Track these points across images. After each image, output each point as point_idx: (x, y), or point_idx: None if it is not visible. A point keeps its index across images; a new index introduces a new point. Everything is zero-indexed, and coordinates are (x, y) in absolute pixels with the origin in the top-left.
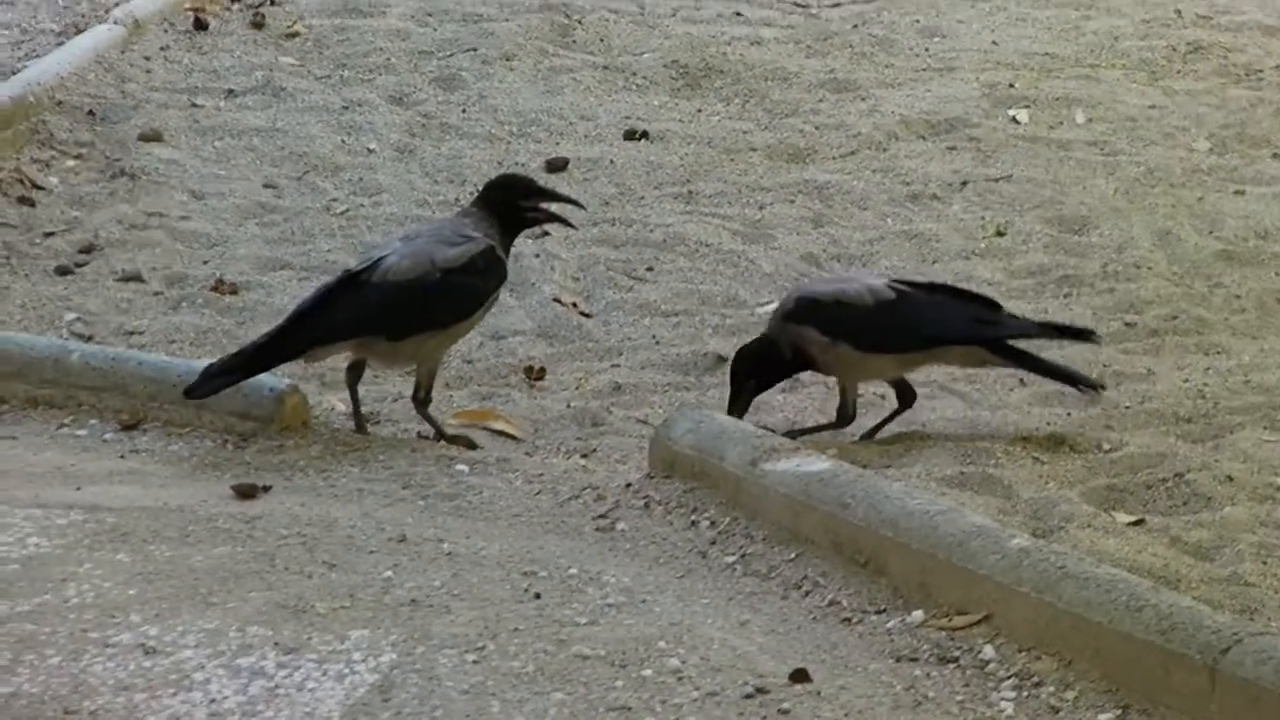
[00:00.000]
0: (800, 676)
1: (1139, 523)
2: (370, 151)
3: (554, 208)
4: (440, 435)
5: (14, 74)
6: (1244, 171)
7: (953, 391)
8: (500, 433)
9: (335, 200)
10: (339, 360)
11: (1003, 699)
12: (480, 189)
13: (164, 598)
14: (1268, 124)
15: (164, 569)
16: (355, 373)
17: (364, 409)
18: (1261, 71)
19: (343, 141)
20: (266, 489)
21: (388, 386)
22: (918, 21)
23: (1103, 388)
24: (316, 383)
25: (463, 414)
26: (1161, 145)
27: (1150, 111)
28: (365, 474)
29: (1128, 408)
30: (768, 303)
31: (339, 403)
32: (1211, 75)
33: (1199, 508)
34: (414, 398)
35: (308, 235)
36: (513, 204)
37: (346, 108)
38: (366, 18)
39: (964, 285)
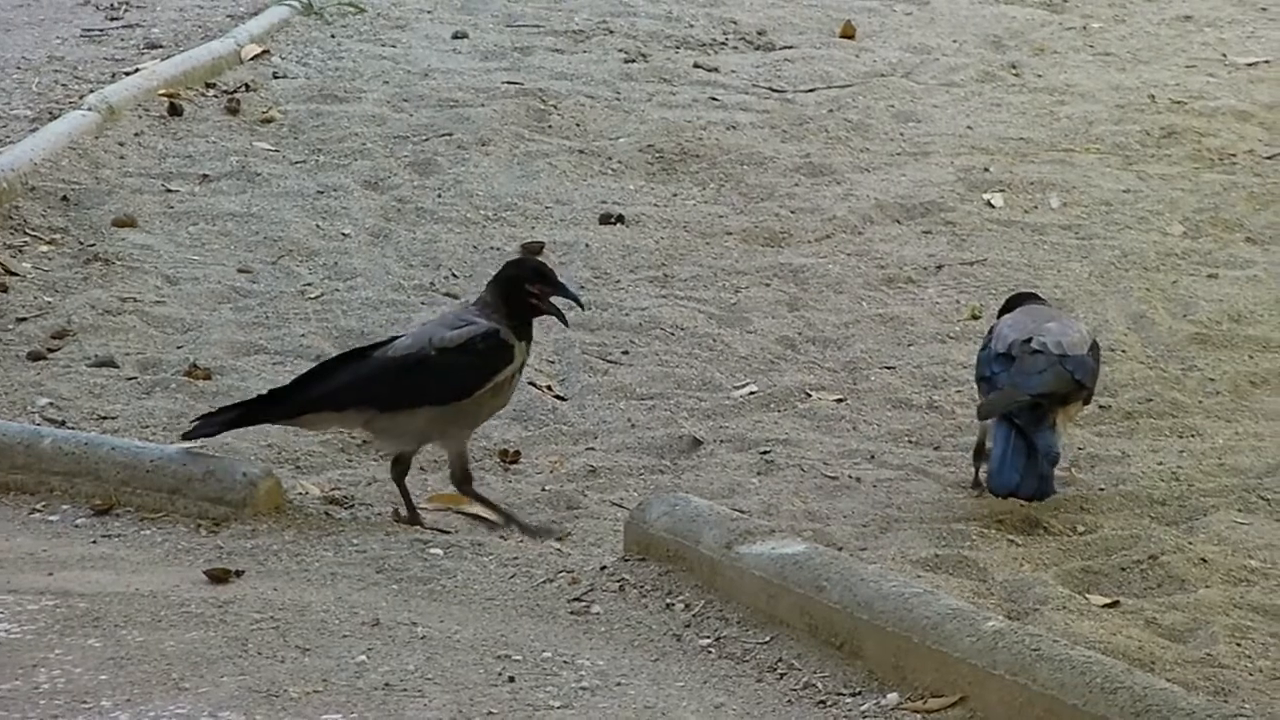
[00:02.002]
0: None
1: (1114, 605)
2: (345, 236)
3: (556, 299)
4: (500, 513)
5: None
6: (1217, 255)
7: (927, 474)
8: (475, 516)
9: (310, 285)
10: (315, 444)
11: None
12: (491, 280)
13: (136, 683)
14: (1241, 208)
15: (136, 654)
16: (400, 467)
17: (337, 491)
18: (1235, 156)
19: (318, 226)
20: (239, 574)
21: (361, 470)
22: (892, 106)
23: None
24: (291, 467)
25: (438, 497)
26: (1135, 229)
27: (1124, 195)
28: (339, 558)
29: (1102, 490)
30: (743, 386)
31: (313, 487)
32: (1185, 160)
33: (1173, 590)
34: (452, 480)
35: (282, 320)
36: (519, 287)
37: (321, 192)
38: (342, 103)
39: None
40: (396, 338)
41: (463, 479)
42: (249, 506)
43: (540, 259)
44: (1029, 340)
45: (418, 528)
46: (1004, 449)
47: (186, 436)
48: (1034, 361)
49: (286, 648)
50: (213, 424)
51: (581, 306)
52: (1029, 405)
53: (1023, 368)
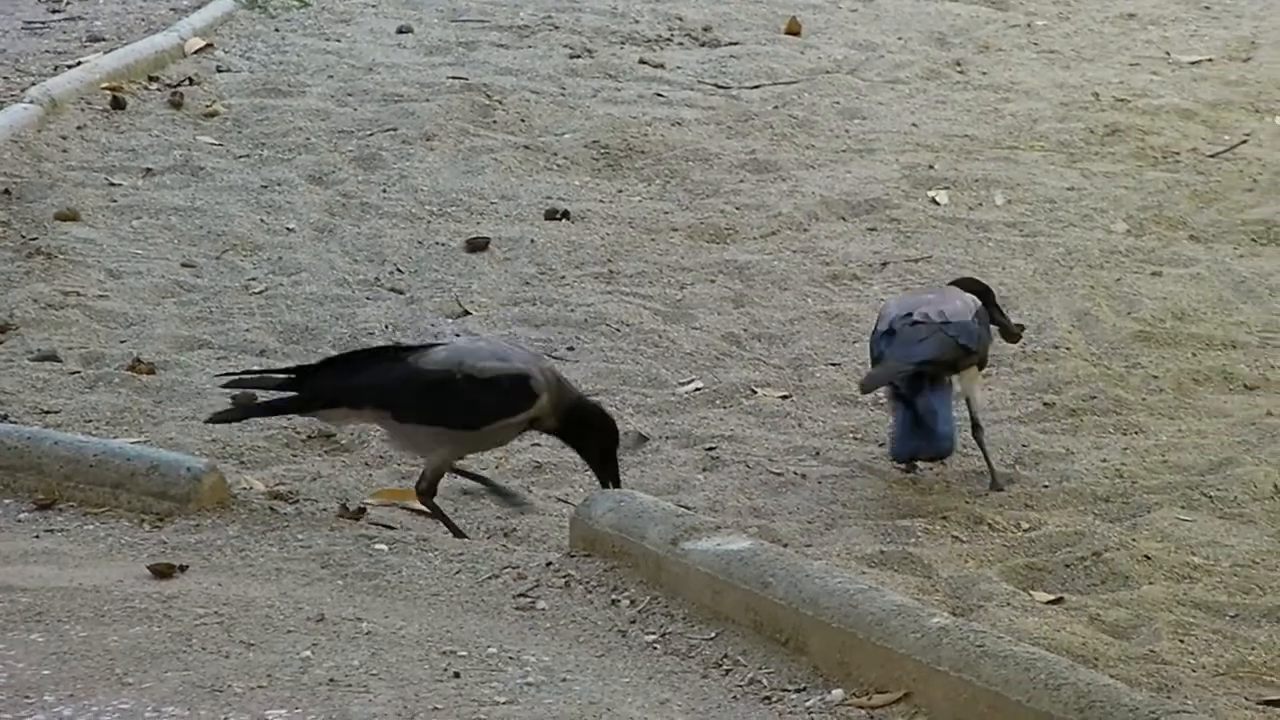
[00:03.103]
0: None
1: (1057, 601)
2: (289, 231)
3: None
4: (449, 527)
5: None
6: (1161, 253)
7: (872, 470)
8: (420, 511)
9: (254, 279)
10: (260, 439)
11: None
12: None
13: (79, 678)
14: (1184, 206)
15: (79, 649)
16: (427, 484)
17: (282, 486)
18: (1178, 154)
19: (262, 221)
20: (183, 569)
21: (306, 466)
22: (838, 103)
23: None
24: (235, 462)
25: (383, 493)
26: (1080, 227)
27: (1068, 193)
28: (283, 553)
29: (1046, 487)
30: (688, 382)
31: (257, 482)
32: (1129, 158)
33: (1117, 586)
34: (416, 486)
35: (226, 314)
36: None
37: (266, 187)
38: (286, 97)
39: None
40: (434, 345)
41: (429, 490)
42: (193, 501)
43: None
44: (909, 314)
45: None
46: (898, 420)
47: (211, 420)
48: (914, 332)
49: (231, 643)
50: (235, 412)
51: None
52: (910, 375)
53: (903, 339)
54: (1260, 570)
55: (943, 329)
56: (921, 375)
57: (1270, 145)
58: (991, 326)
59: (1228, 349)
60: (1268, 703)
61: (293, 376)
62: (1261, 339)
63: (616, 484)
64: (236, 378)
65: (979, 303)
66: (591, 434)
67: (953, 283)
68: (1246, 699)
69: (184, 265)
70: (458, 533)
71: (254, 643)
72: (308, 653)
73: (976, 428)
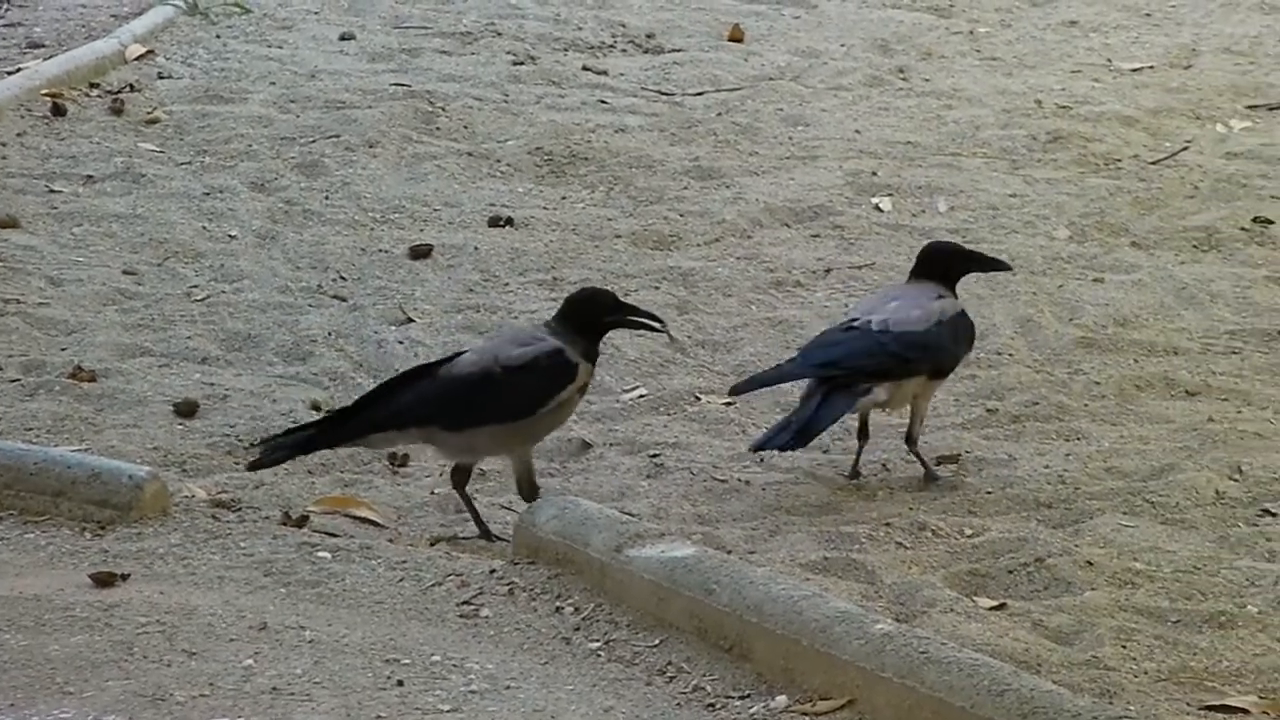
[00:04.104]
0: None
1: (1000, 607)
2: (231, 238)
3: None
4: (478, 525)
5: None
6: (1103, 260)
7: (816, 477)
8: (363, 519)
9: (196, 287)
10: (202, 447)
11: None
12: (563, 302)
13: (19, 687)
14: (1126, 213)
15: (19, 658)
16: (461, 475)
17: (224, 494)
18: (1120, 161)
19: (204, 228)
20: (125, 577)
21: (248, 474)
22: (781, 110)
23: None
24: (177, 470)
25: (326, 500)
26: (1022, 233)
27: (1011, 200)
28: (226, 561)
29: (989, 493)
30: (632, 389)
31: (199, 490)
32: (1071, 164)
33: (1059, 592)
34: (520, 493)
35: (168, 322)
36: (596, 320)
37: (208, 194)
38: (228, 104)
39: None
40: (461, 353)
41: (530, 493)
42: (135, 510)
43: (606, 290)
44: (854, 320)
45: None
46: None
47: (252, 467)
48: (833, 337)
49: (173, 651)
50: (279, 452)
51: (661, 327)
52: (820, 379)
53: (818, 343)
54: (1202, 576)
55: (877, 336)
56: (827, 381)
57: (1211, 152)
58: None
59: (1169, 355)
60: (1209, 708)
61: (320, 431)
62: (1203, 345)
63: (655, 319)
64: (270, 444)
65: (950, 308)
66: (599, 319)
67: (922, 256)
68: (1188, 704)
69: (125, 272)
70: (485, 529)
71: (196, 651)
72: (250, 661)
73: (909, 439)
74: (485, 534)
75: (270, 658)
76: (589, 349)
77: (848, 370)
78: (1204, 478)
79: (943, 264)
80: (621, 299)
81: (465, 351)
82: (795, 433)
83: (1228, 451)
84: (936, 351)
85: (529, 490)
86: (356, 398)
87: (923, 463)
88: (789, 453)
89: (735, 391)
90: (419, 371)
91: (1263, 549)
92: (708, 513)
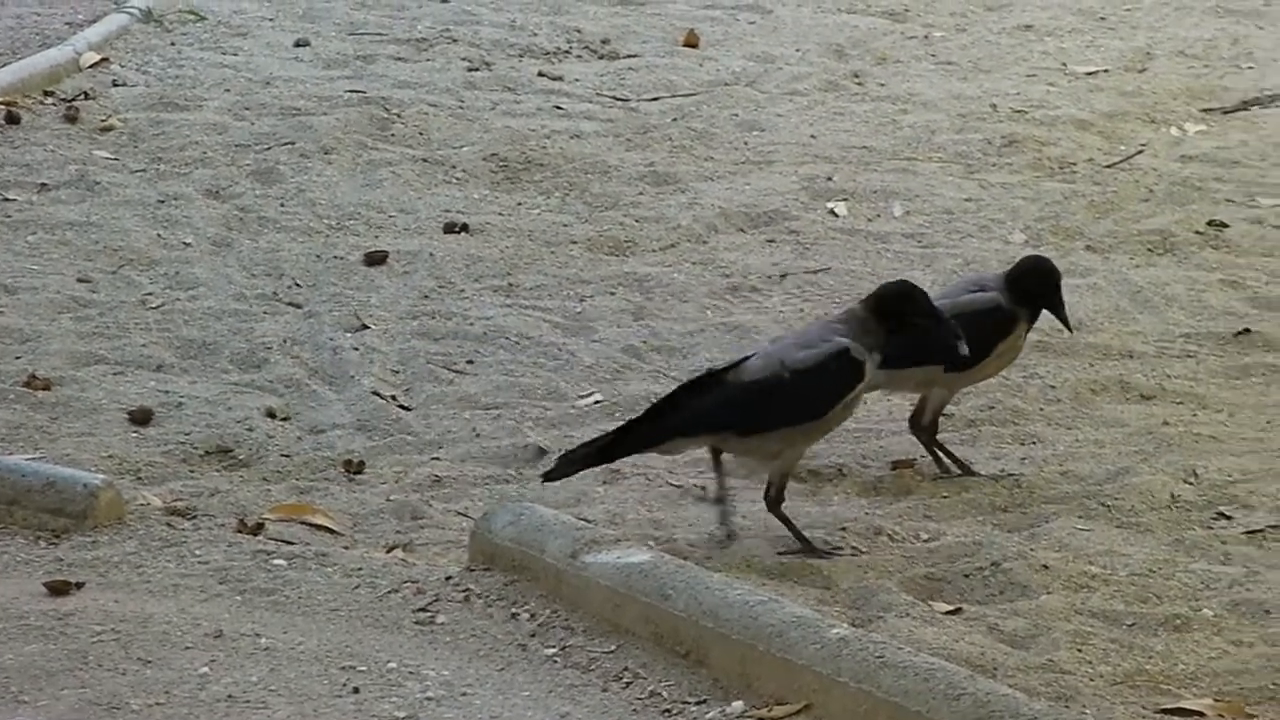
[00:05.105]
0: None
1: (956, 612)
2: (186, 245)
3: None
4: (798, 538)
5: None
6: (1058, 263)
7: None
8: (319, 526)
9: (151, 294)
10: (156, 455)
11: None
12: (875, 295)
13: None
14: (1081, 216)
15: None
16: (776, 494)
17: (179, 502)
18: (1075, 165)
19: (159, 235)
20: (80, 585)
21: (204, 482)
22: (736, 115)
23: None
24: (132, 478)
25: (280, 508)
26: (978, 237)
27: (966, 204)
28: (181, 569)
29: (945, 498)
30: (588, 395)
31: (154, 498)
32: (1026, 169)
33: (1015, 596)
34: (765, 496)
35: (123, 330)
36: (902, 319)
37: (162, 201)
38: (182, 111)
39: None
40: (747, 358)
41: (777, 499)
42: (89, 518)
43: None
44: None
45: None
46: None
47: (547, 478)
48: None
49: (128, 660)
50: (573, 463)
51: (961, 352)
52: None
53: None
54: (1157, 579)
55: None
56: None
57: (1165, 156)
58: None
59: (1124, 359)
60: (1165, 711)
61: (614, 440)
62: (1158, 349)
63: (956, 333)
64: (564, 456)
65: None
66: (905, 318)
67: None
68: (1144, 708)
69: (80, 280)
70: (806, 543)
71: (151, 659)
72: (205, 669)
73: (771, 502)
74: (809, 548)
75: (225, 665)
76: (880, 344)
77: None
78: (1159, 481)
79: (888, 305)
80: (930, 302)
81: (751, 356)
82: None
83: (1183, 455)
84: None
85: (779, 494)
86: (648, 407)
87: (925, 445)
88: None
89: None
90: (707, 378)
91: (1218, 552)
92: (664, 518)
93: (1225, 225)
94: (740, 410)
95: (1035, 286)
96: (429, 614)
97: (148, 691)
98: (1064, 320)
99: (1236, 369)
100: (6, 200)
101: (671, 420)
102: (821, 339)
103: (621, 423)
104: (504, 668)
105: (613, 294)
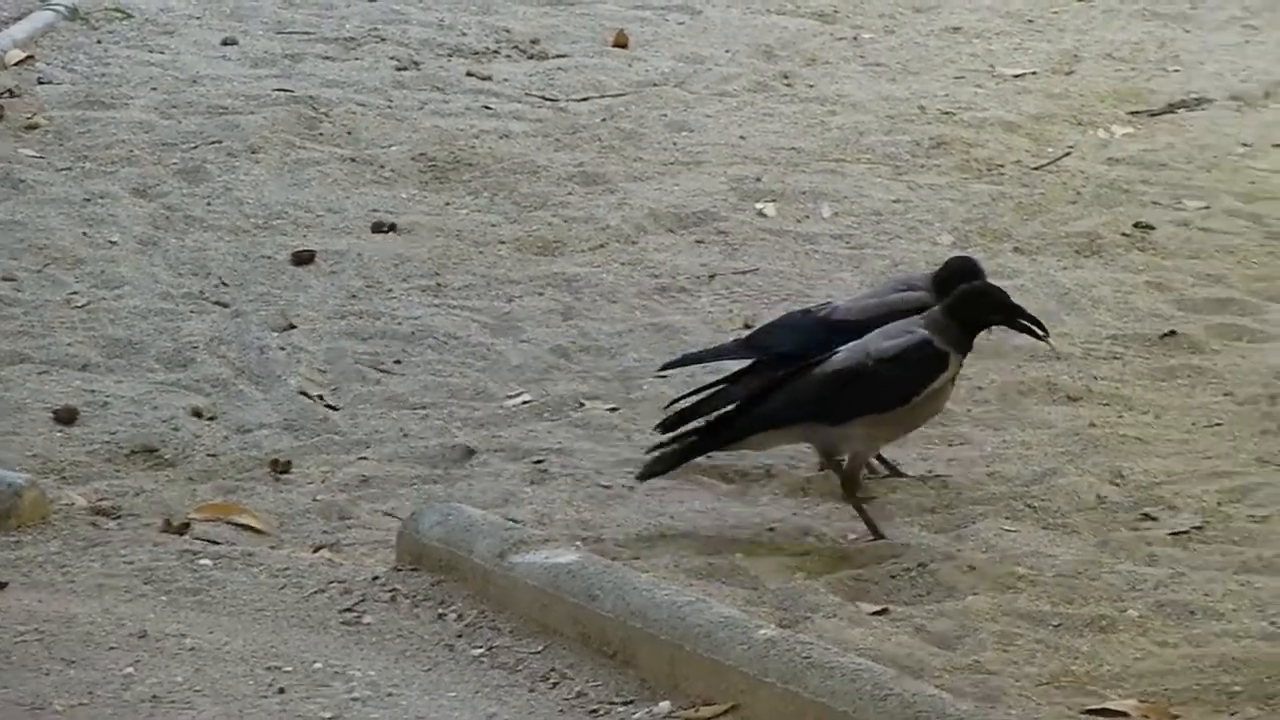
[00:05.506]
0: None
1: (883, 612)
2: (113, 244)
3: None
4: (870, 528)
5: None
6: (986, 265)
7: (700, 483)
8: (245, 526)
9: (76, 293)
10: (81, 454)
11: None
12: (952, 292)
13: None
14: (1008, 218)
15: None
16: (851, 484)
17: (104, 502)
18: (1003, 166)
19: (84, 234)
20: (3, 585)
21: (129, 481)
22: (665, 116)
23: None
24: (56, 477)
25: (206, 508)
26: (906, 239)
27: (894, 205)
28: (105, 569)
29: (872, 499)
30: (516, 395)
31: (79, 497)
32: (954, 170)
33: (942, 597)
34: (841, 483)
35: (48, 328)
36: (980, 316)
37: (88, 200)
38: (109, 109)
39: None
40: (835, 352)
41: (853, 487)
42: (13, 517)
43: (994, 285)
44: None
45: (877, 539)
46: None
47: (640, 478)
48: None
49: (51, 660)
50: (664, 462)
51: (1045, 337)
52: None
53: (767, 325)
54: (1083, 580)
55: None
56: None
57: (1093, 158)
58: None
59: (1051, 360)
60: (1090, 712)
61: (704, 436)
62: (1085, 350)
63: (1039, 326)
64: (655, 460)
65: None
66: (982, 315)
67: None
68: (1069, 708)
69: (4, 279)
70: (877, 533)
71: (75, 660)
72: (130, 669)
73: (846, 490)
74: (876, 534)
75: (150, 666)
76: (963, 339)
77: (778, 354)
78: (1085, 482)
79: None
80: (1009, 299)
81: (839, 351)
82: (678, 413)
83: (1109, 456)
84: None
85: (854, 481)
86: (737, 402)
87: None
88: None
89: (666, 367)
90: (794, 372)
91: (1143, 554)
92: (591, 519)
93: (1152, 227)
94: (826, 399)
95: (975, 310)
96: (355, 614)
97: (71, 692)
98: (1031, 326)
99: (1162, 371)
100: None
101: (760, 412)
102: (906, 331)
103: (710, 419)
104: (431, 668)
105: (541, 294)
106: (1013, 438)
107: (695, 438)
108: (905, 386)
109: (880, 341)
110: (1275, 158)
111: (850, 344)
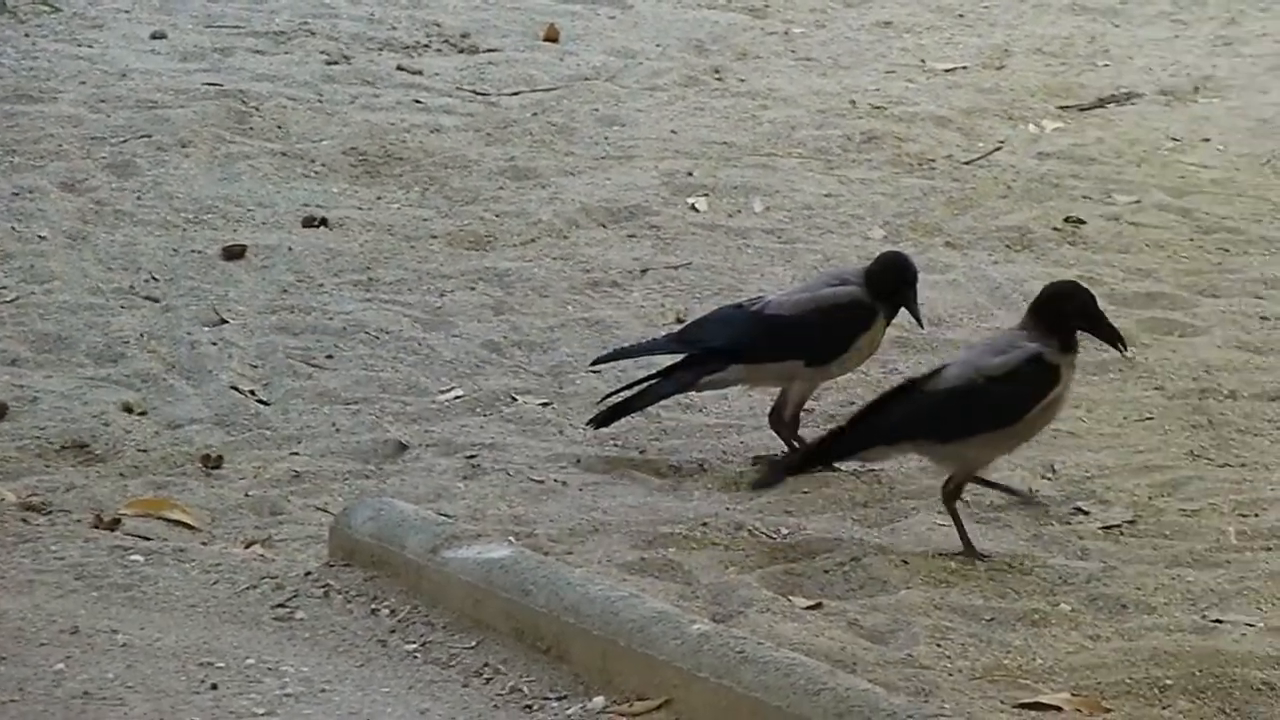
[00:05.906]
0: None
1: (817, 607)
2: (41, 239)
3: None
4: (962, 538)
5: None
6: (917, 259)
7: (633, 478)
8: (176, 522)
9: (5, 288)
10: (11, 450)
11: None
12: (1040, 296)
13: None
14: (940, 213)
15: None
16: (954, 490)
17: (35, 498)
18: (934, 161)
19: (12, 229)
20: None
21: (60, 477)
22: (597, 110)
23: None
24: None
25: (137, 503)
26: (837, 233)
27: (826, 200)
28: (36, 565)
29: (805, 493)
30: (449, 390)
31: (9, 493)
32: (885, 164)
33: (875, 591)
34: (943, 489)
35: None
36: (1064, 320)
37: (16, 194)
38: (37, 103)
39: (640, 371)
40: (945, 367)
41: (955, 494)
42: None
43: (1083, 287)
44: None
45: (970, 555)
46: None
47: (757, 487)
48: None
49: None
50: (781, 472)
51: (1123, 349)
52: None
53: (698, 319)
54: (1015, 574)
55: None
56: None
57: (1023, 152)
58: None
59: None
60: (1023, 705)
61: (818, 450)
62: None
63: (1120, 339)
64: (772, 469)
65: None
66: (1067, 319)
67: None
68: (1002, 702)
69: None
70: (970, 548)
71: (5, 656)
72: (61, 665)
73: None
74: (970, 550)
75: (81, 662)
76: (1067, 343)
77: (708, 349)
78: (1017, 476)
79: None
80: (1096, 305)
81: (948, 365)
82: (611, 408)
83: (1041, 450)
84: (805, 337)
85: (957, 491)
86: (850, 416)
87: (785, 440)
88: (608, 452)
89: (598, 362)
90: (904, 389)
91: (1075, 547)
92: (524, 514)
93: (1082, 222)
94: (938, 419)
95: (892, 282)
96: (288, 610)
97: (2, 688)
98: (916, 316)
99: (1093, 365)
100: None
101: (873, 428)
102: (1012, 345)
103: (833, 428)
104: (364, 664)
105: (473, 289)
106: None
107: (812, 448)
108: (1018, 403)
109: (989, 357)
110: (1204, 152)
111: (960, 359)
